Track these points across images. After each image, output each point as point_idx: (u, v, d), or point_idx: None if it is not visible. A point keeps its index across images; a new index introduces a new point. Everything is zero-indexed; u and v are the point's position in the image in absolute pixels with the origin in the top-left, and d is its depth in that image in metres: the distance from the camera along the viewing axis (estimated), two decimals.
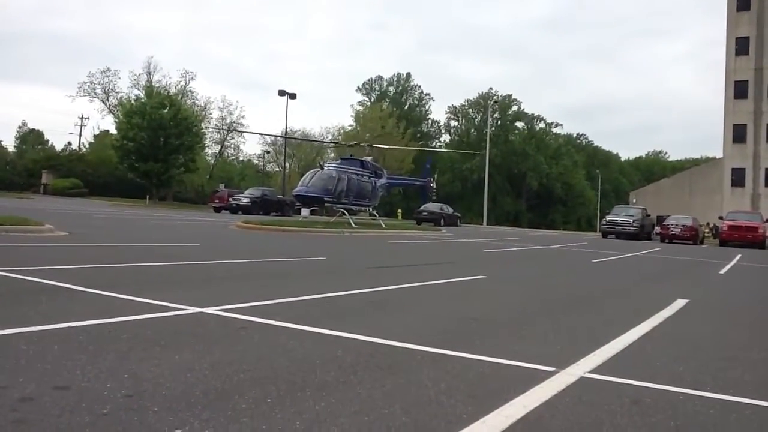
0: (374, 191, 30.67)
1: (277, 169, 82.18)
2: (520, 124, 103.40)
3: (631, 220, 36.50)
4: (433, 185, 43.43)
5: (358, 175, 29.37)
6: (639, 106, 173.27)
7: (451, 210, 46.90)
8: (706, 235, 42.08)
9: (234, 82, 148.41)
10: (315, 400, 3.03)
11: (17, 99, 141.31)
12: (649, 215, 40.55)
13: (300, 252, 12.78)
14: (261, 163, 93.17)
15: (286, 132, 66.95)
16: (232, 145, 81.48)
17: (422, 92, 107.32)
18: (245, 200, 42.38)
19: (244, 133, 76.24)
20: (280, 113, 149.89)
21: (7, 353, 3.52)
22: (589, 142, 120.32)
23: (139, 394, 2.94)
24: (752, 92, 55.39)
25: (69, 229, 14.18)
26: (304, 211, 28.07)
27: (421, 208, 43.59)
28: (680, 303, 7.71)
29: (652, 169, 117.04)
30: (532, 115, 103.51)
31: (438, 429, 2.73)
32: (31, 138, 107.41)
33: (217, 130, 75.11)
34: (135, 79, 66.48)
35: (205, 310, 5.22)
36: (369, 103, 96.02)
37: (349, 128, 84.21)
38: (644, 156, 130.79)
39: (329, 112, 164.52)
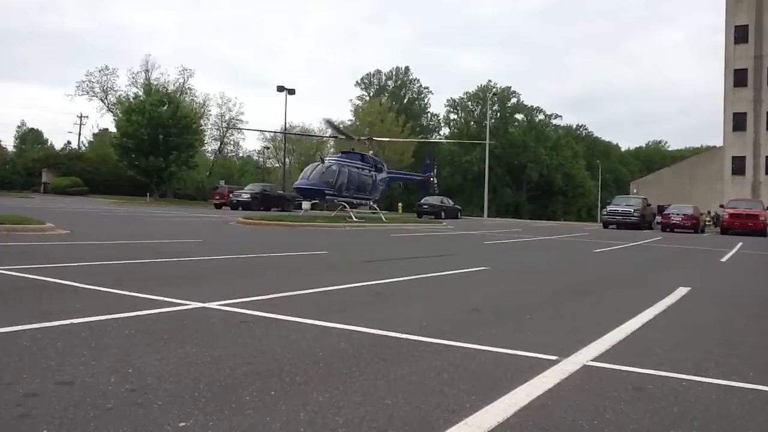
0: (375, 185, 30.65)
1: (277, 165, 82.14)
2: (519, 116, 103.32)
3: (632, 210, 36.48)
4: (434, 179, 43.45)
5: (358, 168, 29.36)
6: (639, 96, 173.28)
7: (451, 203, 46.96)
8: (707, 223, 42.10)
9: (233, 79, 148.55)
10: (318, 391, 3.04)
11: (16, 99, 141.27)
12: (649, 205, 40.52)
13: (301, 246, 12.78)
14: (261, 159, 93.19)
15: (285, 128, 66.92)
16: (232, 142, 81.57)
17: (421, 86, 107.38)
18: (245, 196, 42.36)
19: (243, 130, 76.21)
20: (279, 109, 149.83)
21: (10, 350, 3.53)
22: (588, 132, 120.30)
23: (143, 388, 2.95)
24: (752, 80, 55.29)
25: (70, 228, 14.19)
26: (305, 204, 28.04)
27: (422, 201, 43.61)
28: (682, 291, 7.71)
29: (653, 158, 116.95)
30: (532, 106, 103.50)
31: (441, 418, 2.74)
32: (30, 137, 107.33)
33: (217, 127, 75.13)
34: (133, 77, 66.46)
35: (207, 305, 5.23)
36: (368, 98, 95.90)
37: (348, 123, 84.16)
38: (644, 146, 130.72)
39: (328, 107, 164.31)
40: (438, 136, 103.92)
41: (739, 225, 33.53)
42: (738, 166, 55.55)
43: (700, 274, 11.56)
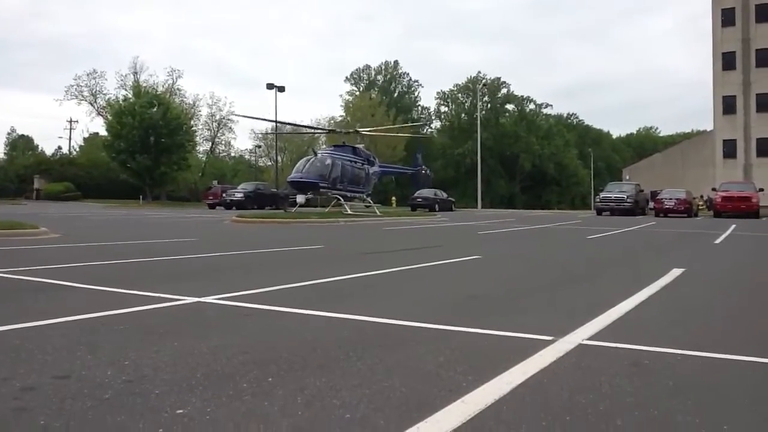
0: (368, 178, 30.66)
1: (270, 164, 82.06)
2: (510, 107, 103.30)
3: (625, 196, 36.54)
4: (427, 171, 43.59)
5: (351, 161, 29.36)
6: (628, 82, 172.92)
7: (445, 195, 46.95)
8: (700, 207, 42.21)
9: (222, 79, 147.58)
10: (316, 376, 3.04)
11: (5, 105, 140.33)
12: (642, 190, 40.59)
13: (296, 242, 12.78)
14: (253, 158, 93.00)
15: (276, 126, 66.78)
16: (223, 141, 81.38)
17: (411, 79, 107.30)
18: (239, 195, 42.29)
19: (235, 125, 76.21)
20: (269, 108, 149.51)
21: (6, 348, 3.52)
22: (579, 121, 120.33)
23: (140, 379, 2.95)
24: (740, 63, 55.40)
25: (64, 231, 14.15)
26: (300, 198, 27.99)
27: (416, 194, 43.63)
28: (676, 272, 7.75)
29: (644, 145, 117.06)
30: (522, 96, 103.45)
31: (438, 397, 2.75)
32: (21, 144, 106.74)
33: (207, 128, 74.97)
34: (122, 80, 66.17)
35: (203, 299, 5.23)
36: (358, 93, 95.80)
37: (339, 118, 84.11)
38: (635, 132, 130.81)
39: (319, 103, 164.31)
40: (429, 129, 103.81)
41: (731, 208, 33.65)
42: (729, 149, 55.69)
43: (694, 255, 11.60)
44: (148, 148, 51.25)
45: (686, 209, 35.58)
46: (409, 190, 47.53)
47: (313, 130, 58.70)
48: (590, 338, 3.97)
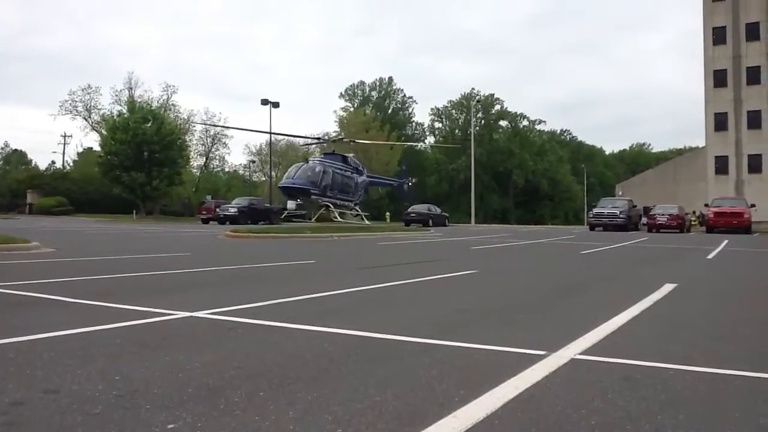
0: (356, 187, 30.79)
1: (264, 179, 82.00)
2: (504, 123, 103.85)
3: (618, 212, 36.68)
4: (410, 184, 44.12)
5: (341, 170, 29.46)
6: (621, 99, 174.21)
7: (438, 210, 47.01)
8: (692, 222, 42.42)
9: (217, 95, 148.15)
10: (307, 391, 3.03)
11: None
12: (635, 206, 40.77)
13: (289, 257, 12.76)
14: (247, 173, 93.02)
15: (270, 142, 66.98)
16: (217, 157, 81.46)
17: (405, 95, 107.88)
18: (232, 210, 42.22)
19: (229, 140, 76.21)
20: (264, 123, 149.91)
21: None
22: (573, 137, 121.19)
23: (130, 394, 2.93)
24: (731, 80, 55.94)
25: (56, 246, 14.09)
26: (290, 204, 27.93)
27: (409, 209, 43.68)
28: (669, 287, 7.77)
29: (637, 161, 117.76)
30: (516, 113, 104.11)
31: (431, 411, 2.74)
32: (14, 158, 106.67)
33: (202, 143, 75.03)
34: (116, 95, 66.23)
35: (194, 314, 5.21)
36: (352, 109, 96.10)
37: (334, 134, 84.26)
38: (628, 148, 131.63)
39: (313, 119, 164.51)
40: (423, 145, 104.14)
41: (724, 223, 33.82)
42: (721, 165, 56.08)
43: (686, 271, 11.63)
44: (141, 163, 51.24)
45: (678, 225, 35.74)
46: (403, 205, 47.59)
47: (308, 138, 58.99)
48: (583, 353, 3.97)
